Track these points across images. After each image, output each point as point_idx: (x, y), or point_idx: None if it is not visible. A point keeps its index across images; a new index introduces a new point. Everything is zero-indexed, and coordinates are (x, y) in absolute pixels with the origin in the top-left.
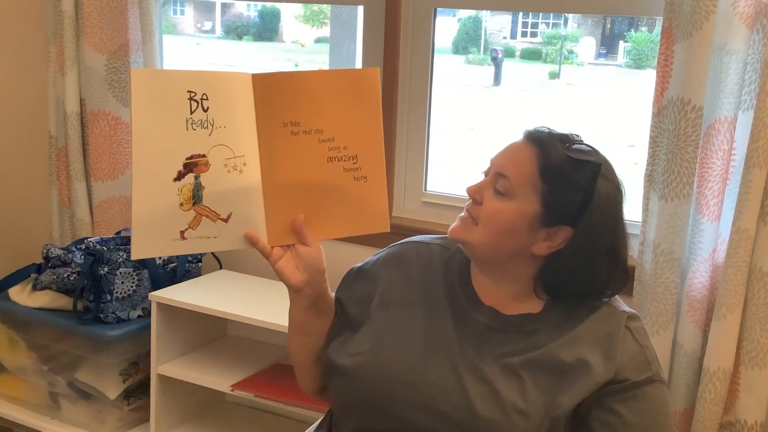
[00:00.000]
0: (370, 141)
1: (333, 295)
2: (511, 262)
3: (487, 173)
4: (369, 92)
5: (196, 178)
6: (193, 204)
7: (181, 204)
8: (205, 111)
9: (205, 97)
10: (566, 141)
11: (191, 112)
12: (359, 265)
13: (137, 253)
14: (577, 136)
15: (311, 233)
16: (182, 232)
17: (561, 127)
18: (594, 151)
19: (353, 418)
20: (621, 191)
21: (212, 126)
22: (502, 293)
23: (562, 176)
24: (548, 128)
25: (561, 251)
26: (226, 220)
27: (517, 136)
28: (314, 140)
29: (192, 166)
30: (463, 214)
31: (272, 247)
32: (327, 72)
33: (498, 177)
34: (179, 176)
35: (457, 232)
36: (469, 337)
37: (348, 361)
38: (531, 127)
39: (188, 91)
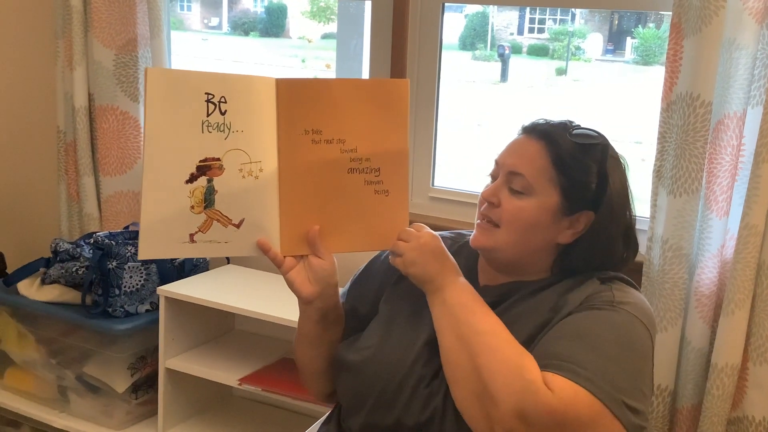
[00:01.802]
0: (394, 154)
1: (342, 299)
2: (535, 255)
3: (494, 175)
4: (397, 103)
5: (209, 181)
6: (205, 207)
7: (192, 207)
8: (223, 114)
9: (223, 99)
10: (568, 128)
11: (208, 114)
12: (365, 265)
13: (144, 253)
14: (572, 121)
15: (325, 245)
16: (191, 235)
17: (555, 116)
18: (596, 132)
19: (362, 412)
20: (625, 164)
21: (229, 129)
22: (509, 278)
23: (576, 163)
24: (546, 120)
25: (584, 235)
26: (237, 226)
27: (516, 134)
28: (336, 150)
29: (205, 169)
30: (478, 221)
31: (284, 257)
32: (355, 81)
33: (512, 176)
34: (191, 178)
35: (480, 241)
36: None
37: (356, 356)
38: (527, 123)
39: (206, 93)
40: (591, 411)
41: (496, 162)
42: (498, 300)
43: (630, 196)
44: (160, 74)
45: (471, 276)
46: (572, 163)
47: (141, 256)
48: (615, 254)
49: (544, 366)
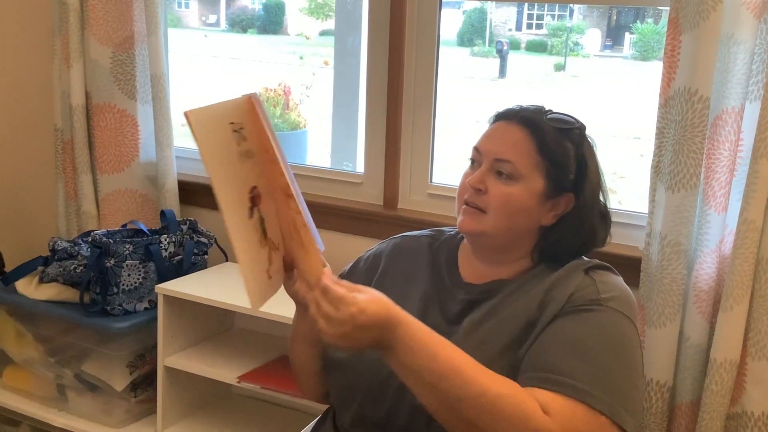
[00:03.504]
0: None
1: None
2: (519, 240)
3: (477, 161)
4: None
5: (259, 211)
6: (264, 238)
7: (259, 241)
8: (246, 140)
9: (241, 126)
10: (544, 113)
11: (238, 144)
12: (350, 265)
13: (257, 304)
14: (544, 106)
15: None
16: (267, 271)
17: (526, 103)
18: (569, 116)
19: (352, 407)
20: (594, 145)
21: (254, 154)
22: (490, 271)
23: (558, 147)
24: (519, 106)
25: (564, 217)
26: (278, 248)
27: (491, 120)
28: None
29: (256, 199)
30: (464, 206)
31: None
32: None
33: (498, 163)
34: (251, 213)
35: (469, 225)
36: (455, 318)
37: (344, 354)
38: (502, 110)
39: (230, 123)
40: (592, 425)
41: (477, 149)
42: (482, 298)
43: (602, 178)
44: (200, 114)
45: (451, 266)
46: (555, 147)
47: (257, 307)
48: (595, 237)
49: (539, 381)
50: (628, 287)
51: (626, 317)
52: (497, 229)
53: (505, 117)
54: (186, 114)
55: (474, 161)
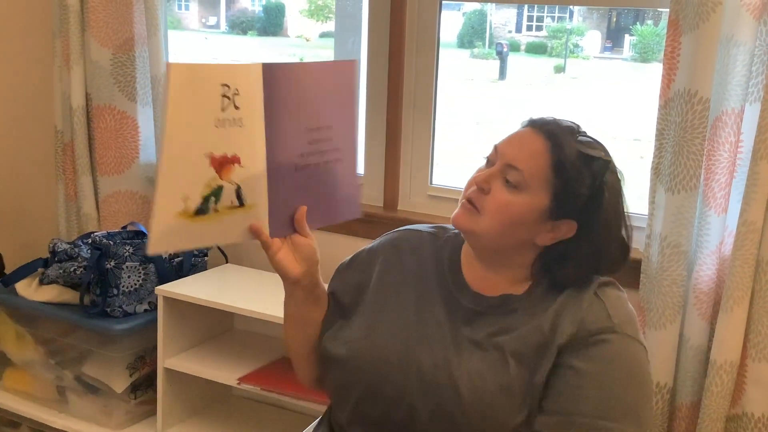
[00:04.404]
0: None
1: (326, 287)
2: (514, 250)
3: (492, 160)
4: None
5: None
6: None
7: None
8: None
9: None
10: (574, 133)
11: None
12: (351, 256)
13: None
14: (580, 126)
15: (308, 224)
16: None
17: (563, 116)
18: (600, 145)
19: (349, 404)
20: (622, 180)
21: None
22: (492, 278)
23: (574, 171)
24: (554, 118)
25: (565, 242)
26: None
27: (523, 124)
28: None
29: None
30: (463, 200)
31: (272, 239)
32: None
33: (508, 168)
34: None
35: (461, 221)
36: (458, 322)
37: (341, 349)
38: (536, 116)
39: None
40: None
41: (496, 148)
42: (490, 311)
43: (624, 217)
44: (184, 70)
45: (454, 268)
46: (571, 170)
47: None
48: (602, 267)
49: (572, 426)
50: (629, 303)
51: (639, 343)
52: (487, 233)
53: (534, 125)
54: (168, 65)
55: (489, 160)
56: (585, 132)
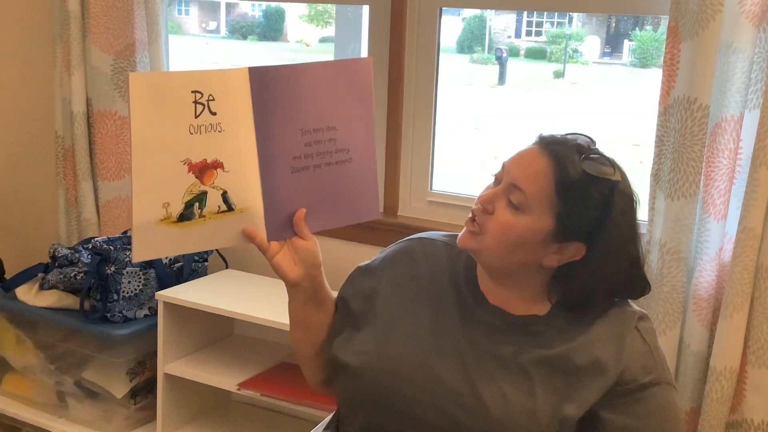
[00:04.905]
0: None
1: (336, 292)
2: (521, 271)
3: (498, 178)
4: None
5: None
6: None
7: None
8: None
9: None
10: (582, 152)
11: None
12: (365, 262)
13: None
14: (593, 143)
15: (307, 226)
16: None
17: (575, 131)
18: (610, 164)
19: (360, 416)
20: (636, 201)
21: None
22: (508, 295)
23: (579, 193)
24: (564, 135)
25: (575, 264)
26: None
27: (531, 141)
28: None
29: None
30: (470, 216)
31: (269, 242)
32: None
33: (512, 188)
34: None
35: (465, 242)
36: (476, 336)
37: (354, 359)
38: (546, 133)
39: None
40: None
41: (504, 166)
42: (514, 330)
43: (636, 237)
44: (144, 79)
45: (470, 280)
46: (575, 192)
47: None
48: (615, 290)
49: None
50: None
51: (675, 388)
52: (490, 253)
53: (541, 142)
54: (128, 75)
55: (497, 178)
56: (596, 150)
